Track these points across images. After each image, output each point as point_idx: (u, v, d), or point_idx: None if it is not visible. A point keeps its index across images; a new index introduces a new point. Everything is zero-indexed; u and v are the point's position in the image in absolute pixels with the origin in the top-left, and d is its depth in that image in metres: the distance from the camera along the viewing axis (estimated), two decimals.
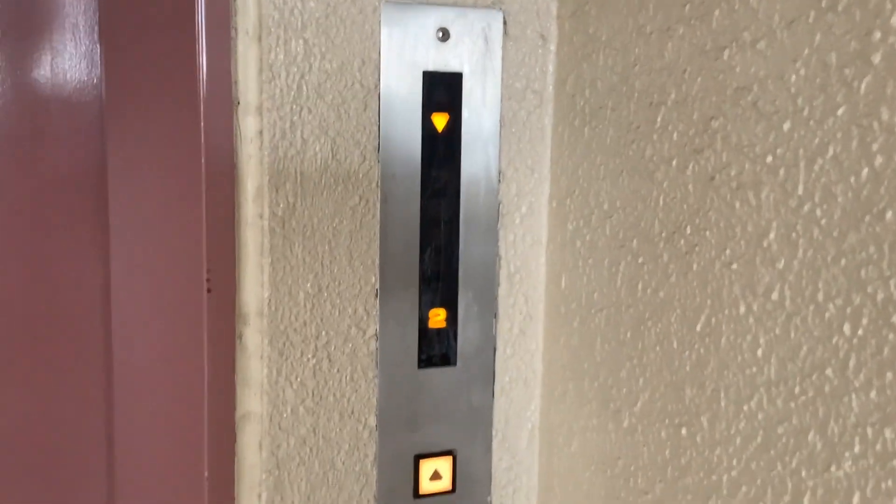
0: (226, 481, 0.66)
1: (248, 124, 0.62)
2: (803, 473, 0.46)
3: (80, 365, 0.70)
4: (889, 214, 0.41)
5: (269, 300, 0.63)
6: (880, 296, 0.41)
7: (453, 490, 0.71)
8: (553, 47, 0.68)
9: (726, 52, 0.50)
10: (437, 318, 0.68)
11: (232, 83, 0.62)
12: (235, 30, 0.61)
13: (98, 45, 0.67)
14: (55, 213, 0.68)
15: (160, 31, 0.64)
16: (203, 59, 0.61)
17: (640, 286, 0.59)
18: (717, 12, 0.51)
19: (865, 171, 0.42)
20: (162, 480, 0.68)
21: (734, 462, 0.51)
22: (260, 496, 0.66)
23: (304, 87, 0.62)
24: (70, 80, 0.68)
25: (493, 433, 0.72)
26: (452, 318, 0.69)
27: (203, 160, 0.62)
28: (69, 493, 0.72)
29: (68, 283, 0.69)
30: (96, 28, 0.67)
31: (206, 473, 0.65)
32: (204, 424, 0.65)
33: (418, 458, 0.70)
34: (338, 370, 0.66)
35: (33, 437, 0.70)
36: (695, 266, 0.54)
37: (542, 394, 0.72)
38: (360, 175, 0.65)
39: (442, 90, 0.66)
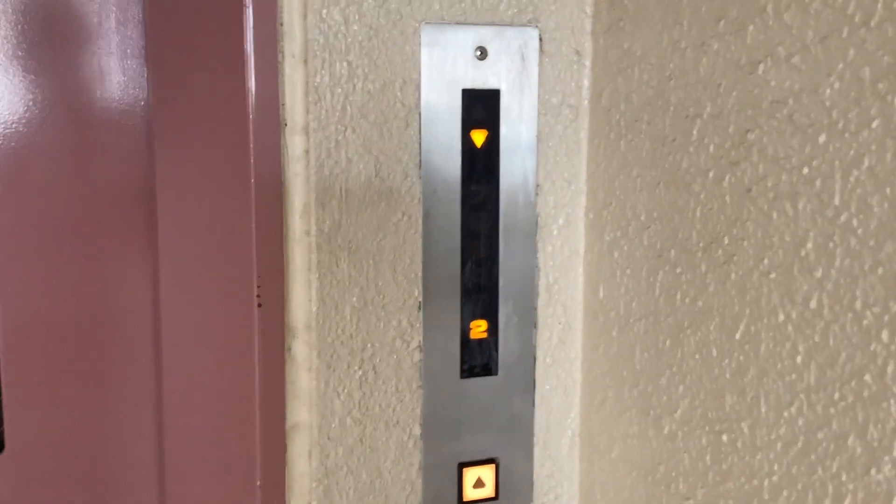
0: (277, 490, 0.68)
1: (295, 144, 0.64)
2: (843, 477, 0.47)
3: (131, 378, 0.72)
4: None
5: (317, 314, 0.66)
6: None
7: (496, 497, 0.72)
8: (588, 63, 0.70)
9: (761, 67, 0.52)
10: (479, 328, 0.70)
11: (279, 105, 0.64)
12: (282, 53, 0.63)
13: (145, 69, 0.70)
14: (105, 231, 0.71)
15: (208, 54, 0.66)
16: (252, 83, 0.64)
17: (678, 295, 0.61)
18: (751, 28, 0.52)
19: None
20: (215, 490, 0.70)
21: (775, 467, 0.52)
22: (310, 503, 0.68)
23: (349, 108, 0.64)
24: (118, 103, 0.70)
25: (535, 441, 0.73)
26: (493, 329, 0.71)
27: (252, 179, 0.65)
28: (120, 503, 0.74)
29: (119, 298, 0.72)
30: (143, 52, 0.70)
31: (258, 482, 0.68)
32: (256, 434, 0.67)
33: (462, 466, 0.71)
34: (383, 381, 0.68)
35: (86, 451, 0.73)
36: (733, 275, 0.55)
37: (581, 401, 0.74)
38: (403, 191, 0.67)
39: (480, 107, 0.68)
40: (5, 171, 0.67)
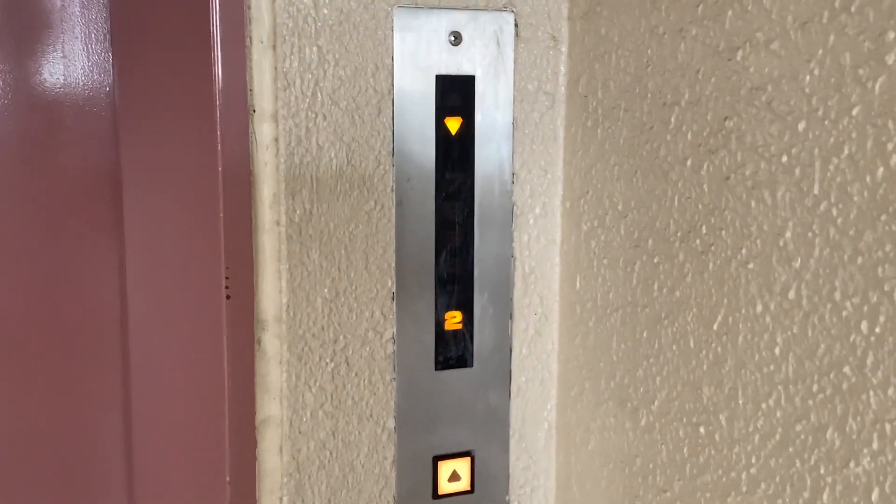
0: (247, 485, 0.67)
1: (264, 131, 0.63)
2: (822, 470, 0.46)
3: (97, 373, 0.71)
4: None
5: (288, 306, 0.64)
6: None
7: (472, 490, 0.71)
8: (565, 49, 0.69)
9: (740, 53, 0.51)
10: (454, 320, 0.69)
11: (247, 91, 0.62)
12: (250, 38, 0.61)
13: (110, 54, 0.68)
14: (70, 220, 0.69)
15: (174, 40, 0.64)
16: (219, 68, 0.62)
17: (655, 286, 0.60)
18: (729, 13, 0.51)
19: (881, 170, 0.42)
20: (183, 485, 0.69)
21: (753, 460, 0.51)
22: (281, 499, 0.66)
23: (319, 94, 0.63)
24: (82, 88, 0.68)
25: (511, 433, 0.72)
26: (468, 320, 0.69)
27: (220, 168, 0.63)
28: (89, 500, 0.73)
29: (84, 290, 0.70)
30: (108, 37, 0.68)
31: (227, 478, 0.66)
32: (225, 429, 0.66)
33: (437, 459, 0.70)
34: (356, 374, 0.67)
35: (51, 444, 0.71)
36: (711, 265, 0.54)
37: (558, 393, 0.73)
38: (375, 179, 0.65)
39: (455, 93, 0.67)
40: None
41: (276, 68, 0.62)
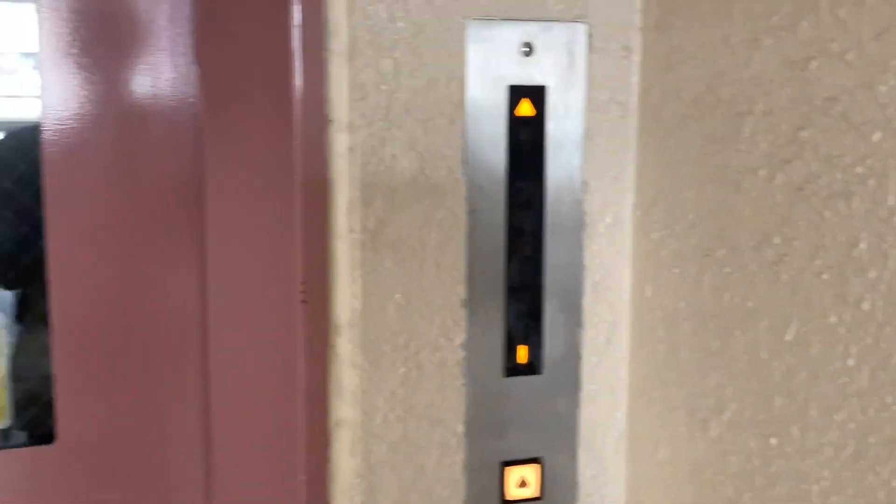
0: (320, 485, 0.68)
1: (340, 141, 0.65)
2: (895, 483, 0.46)
3: (180, 375, 0.73)
4: None
5: (361, 311, 0.66)
6: None
7: (540, 497, 0.72)
8: (637, 59, 0.69)
9: (814, 63, 0.50)
10: (523, 327, 0.70)
11: (325, 102, 0.64)
12: (328, 51, 0.63)
13: (194, 66, 0.71)
14: (155, 228, 0.72)
15: (255, 52, 0.67)
16: (298, 80, 0.64)
17: (726, 295, 0.59)
18: (804, 23, 0.51)
19: None
20: (259, 484, 0.71)
21: (825, 472, 0.51)
22: (353, 500, 0.68)
23: (394, 105, 0.64)
24: (168, 100, 0.71)
25: (579, 441, 0.73)
26: (538, 328, 0.70)
27: (297, 176, 0.65)
28: (168, 498, 0.75)
29: (169, 295, 0.73)
30: (192, 50, 0.70)
31: (301, 477, 0.68)
32: (299, 430, 0.68)
33: (505, 465, 0.71)
34: (427, 379, 0.68)
35: (134, 443, 0.74)
36: (784, 276, 0.54)
37: (628, 402, 0.73)
38: (447, 188, 0.66)
39: (526, 103, 0.67)
40: (59, 167, 0.69)
41: (352, 79, 0.64)
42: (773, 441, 0.55)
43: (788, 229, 0.53)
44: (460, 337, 0.68)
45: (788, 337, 0.54)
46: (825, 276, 0.50)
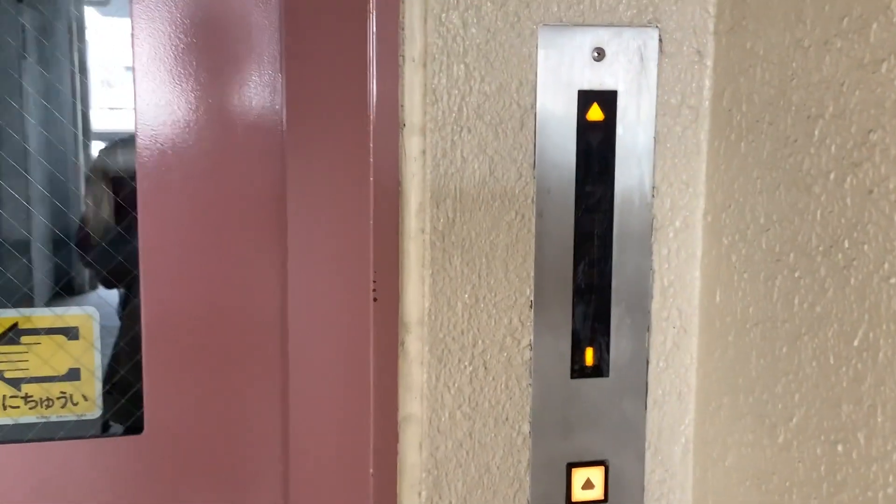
0: (389, 478, 0.70)
1: (413, 144, 0.66)
2: None
3: (260, 371, 0.76)
4: None
5: (430, 309, 0.67)
6: None
7: (605, 500, 0.72)
8: (710, 63, 0.69)
9: (885, 65, 0.50)
10: (591, 329, 0.70)
11: (399, 107, 0.66)
12: (403, 57, 0.65)
13: (280, 74, 0.73)
14: (240, 228, 0.75)
15: (335, 59, 0.69)
16: (373, 86, 0.66)
17: (796, 300, 0.59)
18: (874, 25, 0.51)
19: None
20: (333, 476, 0.73)
21: (890, 478, 0.50)
22: (420, 494, 0.69)
23: (465, 109, 0.66)
24: (255, 106, 0.74)
25: (646, 445, 0.73)
26: (605, 330, 0.70)
27: (371, 178, 0.67)
28: (248, 488, 0.78)
29: (250, 292, 0.75)
30: (279, 59, 0.73)
31: (371, 470, 0.70)
32: (370, 425, 0.70)
33: (571, 466, 0.71)
34: (493, 378, 0.69)
35: (216, 434, 0.77)
36: (852, 280, 0.53)
37: (696, 408, 0.72)
38: (517, 191, 0.68)
39: (597, 108, 0.68)
40: (154, 170, 0.72)
41: (425, 85, 0.66)
42: (840, 448, 0.55)
43: (858, 233, 0.53)
44: (527, 338, 0.69)
45: (856, 342, 0.53)
46: (893, 281, 0.50)
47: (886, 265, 0.50)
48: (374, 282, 0.68)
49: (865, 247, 0.52)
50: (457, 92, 0.66)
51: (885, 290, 0.50)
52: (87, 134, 0.77)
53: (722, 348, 0.68)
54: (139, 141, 0.72)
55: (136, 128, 0.72)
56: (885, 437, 0.51)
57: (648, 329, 0.71)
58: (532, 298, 0.69)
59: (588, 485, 0.72)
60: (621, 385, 0.72)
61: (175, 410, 0.76)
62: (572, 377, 0.71)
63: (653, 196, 0.70)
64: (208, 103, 0.73)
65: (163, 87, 0.72)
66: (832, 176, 0.55)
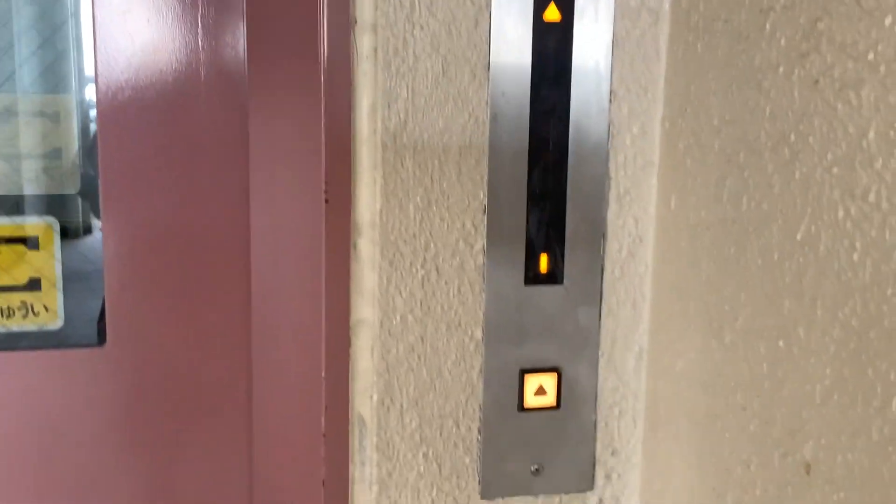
0: (341, 382, 0.70)
1: (364, 42, 0.65)
2: (892, 376, 0.45)
3: (224, 282, 0.75)
4: None
5: (381, 211, 0.67)
6: None
7: (558, 406, 0.72)
8: None
9: None
10: (545, 236, 0.70)
11: (349, 2, 0.65)
12: None
13: None
14: (203, 141, 0.73)
15: None
16: None
17: (744, 200, 0.58)
18: None
19: None
20: (290, 378, 0.73)
21: (827, 371, 0.50)
22: (372, 398, 0.70)
23: (417, 5, 0.64)
24: (217, 13, 0.72)
25: (600, 353, 0.73)
26: (560, 238, 0.70)
27: (322, 78, 0.66)
28: (210, 398, 0.78)
29: (213, 205, 0.74)
30: None
31: (322, 373, 0.70)
32: (322, 329, 0.70)
33: (523, 372, 0.71)
34: (445, 282, 0.69)
35: (179, 342, 0.76)
36: (797, 174, 0.53)
37: (650, 316, 0.72)
38: (470, 93, 0.66)
39: (553, 9, 0.67)
40: (120, 117, 0.71)
41: None
42: (782, 343, 0.54)
43: (804, 125, 0.52)
44: (480, 242, 0.69)
45: (799, 236, 0.52)
46: (835, 171, 0.49)
47: (830, 155, 0.50)
48: (326, 183, 0.67)
49: (811, 139, 0.51)
50: None
51: (828, 180, 0.50)
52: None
53: (675, 255, 0.68)
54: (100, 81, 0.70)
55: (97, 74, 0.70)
56: (823, 329, 0.50)
57: (604, 237, 0.71)
58: (486, 203, 0.68)
59: (541, 391, 0.72)
60: (575, 293, 0.71)
61: (138, 323, 0.75)
62: (526, 284, 0.70)
63: (610, 101, 0.69)
64: (167, 15, 0.72)
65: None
66: (781, 69, 0.54)
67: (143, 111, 0.72)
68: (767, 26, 0.55)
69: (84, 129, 0.77)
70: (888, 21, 0.44)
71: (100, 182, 0.72)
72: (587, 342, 0.72)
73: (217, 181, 0.73)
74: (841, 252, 0.49)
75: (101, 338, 0.75)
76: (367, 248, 0.68)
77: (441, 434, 0.71)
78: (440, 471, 0.71)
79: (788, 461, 0.54)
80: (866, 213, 0.46)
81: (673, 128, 0.68)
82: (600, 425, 0.74)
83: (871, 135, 0.46)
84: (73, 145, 0.77)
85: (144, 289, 0.75)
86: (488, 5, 0.66)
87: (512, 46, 0.67)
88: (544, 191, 0.69)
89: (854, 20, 0.47)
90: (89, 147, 0.77)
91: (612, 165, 0.70)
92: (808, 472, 0.52)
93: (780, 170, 0.54)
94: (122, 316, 0.75)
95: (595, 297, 0.72)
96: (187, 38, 0.73)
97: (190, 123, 0.73)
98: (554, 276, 0.71)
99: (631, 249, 0.72)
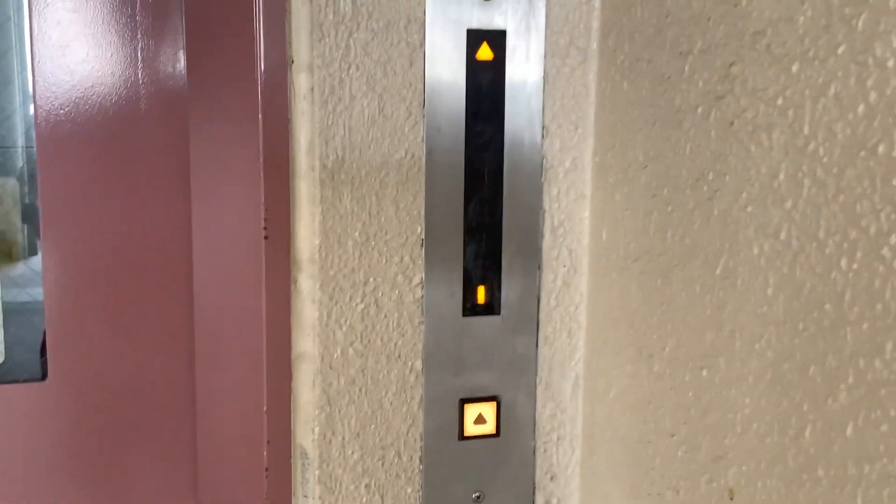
0: (283, 416, 0.71)
1: (301, 81, 0.66)
2: (805, 407, 0.47)
3: (165, 315, 0.75)
4: (881, 148, 0.41)
5: (320, 247, 0.68)
6: (872, 229, 0.42)
7: (497, 434, 0.74)
8: (597, 3, 0.70)
9: None
10: (482, 268, 0.71)
11: (286, 43, 0.66)
12: None
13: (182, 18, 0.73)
14: (145, 174, 0.74)
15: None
16: (260, 22, 0.66)
17: (669, 234, 0.61)
18: None
19: (861, 107, 0.42)
20: (233, 412, 0.73)
21: (746, 400, 0.52)
22: (314, 430, 0.70)
23: (353, 46, 0.66)
24: (158, 53, 0.73)
25: (538, 381, 0.74)
26: (496, 269, 0.72)
27: (260, 116, 0.67)
28: (154, 433, 0.78)
29: (156, 240, 0.74)
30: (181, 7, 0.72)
31: (264, 407, 0.71)
32: (263, 363, 0.70)
33: (463, 401, 0.73)
34: (385, 315, 0.70)
35: (123, 375, 0.76)
36: (715, 210, 0.55)
37: (585, 344, 0.74)
38: (406, 129, 0.68)
39: (486, 48, 0.69)
40: (60, 151, 0.71)
41: (312, 20, 0.65)
42: (705, 373, 0.57)
43: (721, 165, 0.54)
44: (419, 275, 0.70)
45: (718, 270, 0.55)
46: (749, 209, 0.51)
47: (744, 194, 0.52)
48: (266, 220, 0.68)
49: (727, 177, 0.54)
50: (344, 28, 0.66)
51: (743, 218, 0.52)
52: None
53: (608, 285, 0.70)
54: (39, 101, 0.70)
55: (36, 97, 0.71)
56: (742, 360, 0.53)
57: (539, 268, 0.73)
58: (423, 237, 0.70)
59: (480, 419, 0.73)
60: (513, 323, 0.73)
61: (80, 356, 0.75)
62: (464, 315, 0.72)
63: (543, 137, 0.71)
64: (107, 49, 0.72)
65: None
66: (699, 110, 0.56)
67: (83, 144, 0.73)
68: (686, 69, 0.58)
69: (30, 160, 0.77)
70: (795, 68, 0.47)
71: (40, 216, 0.72)
72: (525, 370, 0.74)
73: (159, 214, 0.74)
74: (756, 287, 0.51)
75: (44, 372, 0.75)
76: (307, 284, 0.69)
77: (383, 465, 0.72)
78: (382, 501, 0.72)
79: (713, 486, 0.56)
80: (778, 251, 0.49)
81: (603, 162, 0.70)
82: (539, 451, 0.75)
83: (782, 176, 0.48)
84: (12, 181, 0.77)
85: (86, 320, 0.75)
86: (422, 45, 0.67)
87: (446, 85, 0.68)
88: (481, 224, 0.71)
89: (765, 66, 0.50)
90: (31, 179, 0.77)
91: (545, 198, 0.72)
92: (731, 498, 0.54)
93: (700, 206, 0.57)
94: (64, 348, 0.75)
95: (532, 326, 0.74)
96: (127, 72, 0.73)
97: (131, 156, 0.74)
98: (491, 307, 0.72)
99: (566, 279, 0.73)
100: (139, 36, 0.73)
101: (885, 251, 0.41)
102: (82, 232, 0.74)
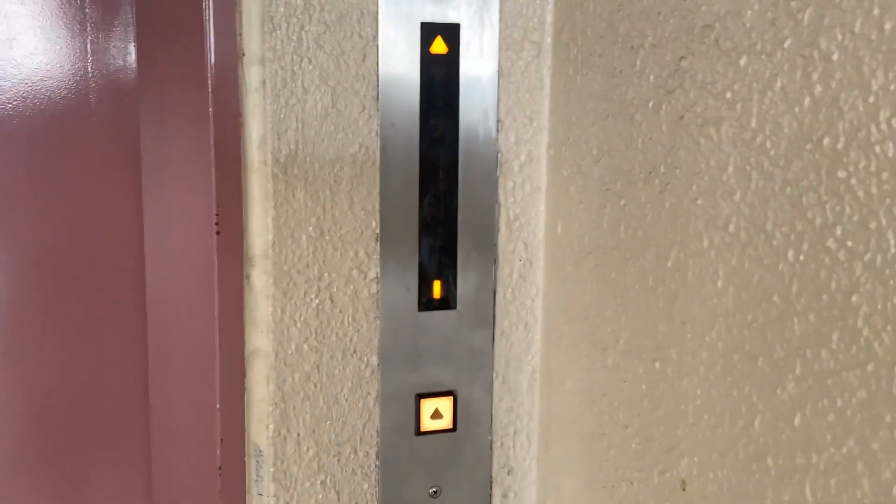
0: (237, 413, 0.70)
1: (253, 74, 0.66)
2: (754, 398, 0.48)
3: (118, 313, 0.74)
4: (826, 140, 0.42)
5: (273, 242, 0.67)
6: (818, 221, 0.42)
7: (454, 429, 0.74)
8: None
9: None
10: (437, 262, 0.71)
11: (237, 35, 0.65)
12: None
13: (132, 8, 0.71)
14: (96, 172, 0.73)
15: None
16: (210, 14, 0.65)
17: (622, 227, 0.61)
18: None
19: (807, 100, 0.43)
20: (187, 411, 0.72)
21: (698, 391, 0.53)
22: (268, 427, 0.70)
23: (305, 38, 0.65)
24: (108, 47, 0.72)
25: (494, 375, 0.74)
26: (452, 263, 0.72)
27: (211, 110, 0.66)
28: (109, 436, 0.77)
29: (108, 238, 0.73)
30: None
31: (217, 405, 0.70)
32: (216, 360, 0.69)
33: (419, 397, 0.73)
34: (340, 311, 0.69)
35: (76, 368, 0.75)
36: (667, 204, 0.55)
37: (542, 338, 0.74)
38: (360, 123, 0.67)
39: (440, 41, 0.68)
40: (7, 145, 0.70)
41: (263, 13, 0.64)
42: (658, 365, 0.57)
43: (672, 158, 0.55)
44: (374, 270, 0.70)
45: (670, 263, 0.55)
46: (700, 202, 0.52)
47: (694, 187, 0.52)
48: (217, 215, 0.67)
49: (678, 171, 0.54)
50: (296, 20, 0.65)
51: (693, 211, 0.53)
52: None
53: (563, 278, 0.70)
54: None
55: None
56: (693, 352, 0.53)
57: (495, 262, 0.73)
58: (378, 231, 0.69)
59: (437, 415, 0.73)
60: (469, 317, 0.73)
61: (30, 357, 0.74)
62: (420, 310, 0.72)
63: (498, 130, 0.71)
64: (56, 42, 0.71)
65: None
66: (651, 104, 0.57)
67: (32, 139, 0.71)
68: (638, 63, 0.58)
69: None
70: (743, 62, 0.47)
71: None
72: (481, 365, 0.74)
73: (109, 209, 0.73)
74: (706, 279, 0.51)
75: None
76: (260, 279, 0.68)
77: (339, 461, 0.71)
78: (339, 498, 0.72)
79: (666, 477, 0.56)
80: (728, 243, 0.49)
81: (558, 156, 0.70)
82: (496, 445, 0.75)
83: (730, 169, 0.49)
84: None
85: (35, 319, 0.73)
86: (375, 38, 0.67)
87: (400, 78, 0.68)
88: (436, 218, 0.71)
89: (713, 60, 0.50)
90: None
91: (501, 192, 0.72)
92: (683, 489, 0.54)
93: (652, 199, 0.57)
94: (12, 349, 0.73)
95: (488, 320, 0.74)
96: (77, 65, 0.72)
97: (82, 150, 0.72)
98: (447, 302, 0.72)
99: (522, 273, 0.74)
100: (89, 28, 0.72)
101: (831, 243, 0.42)
102: (30, 228, 0.72)
